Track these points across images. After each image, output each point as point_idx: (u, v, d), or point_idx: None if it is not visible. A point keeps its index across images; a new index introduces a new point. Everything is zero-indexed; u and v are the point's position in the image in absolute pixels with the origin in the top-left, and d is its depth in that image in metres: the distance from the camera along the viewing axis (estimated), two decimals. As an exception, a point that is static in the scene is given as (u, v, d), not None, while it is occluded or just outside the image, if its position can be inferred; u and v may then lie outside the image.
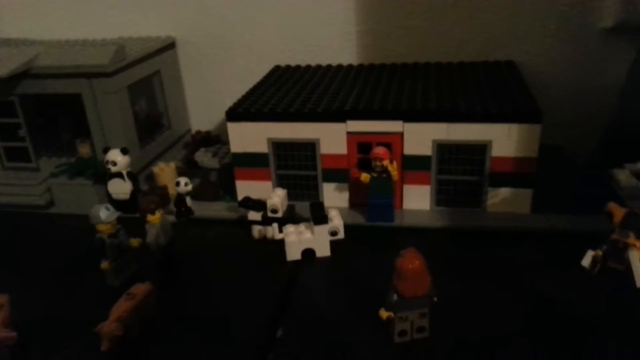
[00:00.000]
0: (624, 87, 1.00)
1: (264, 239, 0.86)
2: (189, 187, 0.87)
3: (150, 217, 0.76)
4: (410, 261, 0.60)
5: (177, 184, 0.86)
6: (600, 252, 0.69)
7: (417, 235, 0.84)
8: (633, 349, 0.61)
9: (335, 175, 0.91)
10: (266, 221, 0.85)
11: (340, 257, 0.81)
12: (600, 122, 1.04)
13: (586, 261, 0.69)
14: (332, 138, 0.88)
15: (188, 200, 0.87)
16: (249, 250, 0.85)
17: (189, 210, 0.88)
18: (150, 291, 0.69)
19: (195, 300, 0.74)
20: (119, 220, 0.76)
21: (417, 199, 0.90)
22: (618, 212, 0.66)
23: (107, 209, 0.74)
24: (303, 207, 0.88)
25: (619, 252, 0.68)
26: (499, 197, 0.87)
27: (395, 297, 0.62)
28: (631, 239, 0.66)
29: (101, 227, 0.74)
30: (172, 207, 0.90)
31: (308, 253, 0.81)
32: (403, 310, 0.62)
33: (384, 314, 0.63)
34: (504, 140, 0.82)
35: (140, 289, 0.69)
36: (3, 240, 0.92)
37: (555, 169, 0.95)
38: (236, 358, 0.63)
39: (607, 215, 0.67)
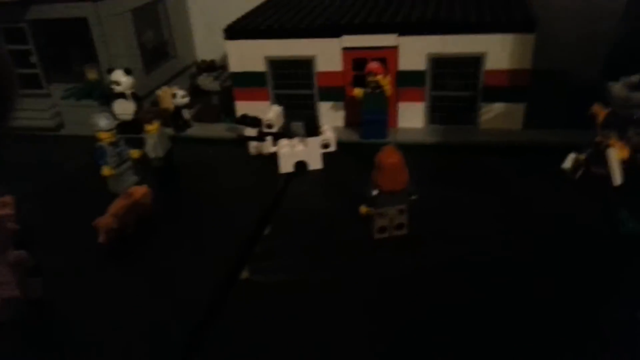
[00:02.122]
0: (627, 8, 0.97)
1: (260, 155, 0.89)
2: (186, 100, 0.89)
3: (148, 127, 0.79)
4: (390, 155, 0.62)
5: (174, 96, 0.89)
6: (582, 156, 0.69)
7: (410, 151, 0.84)
8: (606, 243, 0.62)
9: (331, 93, 0.92)
10: (262, 137, 0.87)
11: (331, 169, 0.84)
12: (603, 44, 1.02)
13: (567, 164, 0.70)
14: (327, 55, 0.89)
15: (185, 112, 0.90)
16: (245, 164, 0.88)
17: (187, 123, 0.91)
18: (146, 193, 0.73)
19: (191, 204, 0.78)
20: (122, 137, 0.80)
21: (411, 117, 0.91)
22: (601, 112, 0.67)
23: (107, 118, 0.77)
24: (300, 127, 0.90)
25: (602, 156, 0.68)
26: (492, 112, 0.87)
27: (375, 192, 0.64)
28: (612, 140, 0.66)
29: (102, 135, 0.77)
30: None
31: (301, 165, 0.84)
32: (382, 205, 0.65)
33: (363, 209, 0.66)
34: (498, 51, 0.82)
35: (137, 190, 0.72)
36: (16, 159, 0.97)
37: (553, 89, 0.94)
38: (223, 253, 0.67)
39: (591, 117, 0.68)
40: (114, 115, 0.94)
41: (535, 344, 0.51)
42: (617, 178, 0.64)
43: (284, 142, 0.84)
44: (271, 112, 0.86)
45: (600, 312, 0.53)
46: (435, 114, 0.90)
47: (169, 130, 0.88)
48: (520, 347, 0.50)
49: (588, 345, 0.50)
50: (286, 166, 0.83)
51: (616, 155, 0.65)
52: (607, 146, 0.66)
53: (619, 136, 0.66)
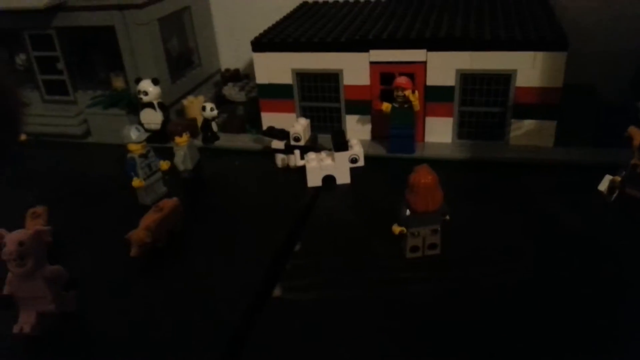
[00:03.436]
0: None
1: (287, 168, 0.89)
2: (215, 112, 0.89)
3: (177, 139, 0.80)
4: (424, 176, 0.62)
5: (203, 108, 0.89)
6: (618, 178, 0.69)
7: (438, 167, 0.83)
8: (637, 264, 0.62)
9: (358, 106, 0.92)
10: (289, 149, 0.87)
11: (359, 184, 0.84)
12: (633, 60, 1.01)
13: (603, 185, 0.69)
14: (355, 68, 0.89)
15: (214, 125, 0.90)
16: (272, 177, 0.88)
17: (215, 136, 0.91)
18: (177, 205, 0.73)
19: (220, 218, 0.78)
20: (151, 149, 0.80)
21: (439, 132, 0.91)
22: (638, 135, 0.66)
23: (138, 130, 0.78)
24: (326, 140, 0.90)
25: (638, 179, 0.67)
26: (522, 129, 0.87)
27: (407, 212, 0.64)
28: (650, 164, 0.65)
29: (132, 147, 0.78)
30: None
31: (328, 179, 0.84)
32: (415, 225, 0.64)
33: (396, 229, 0.65)
34: (528, 69, 0.81)
35: (168, 202, 0.73)
36: (44, 166, 0.98)
37: (582, 105, 0.93)
38: (254, 269, 0.67)
39: (628, 139, 0.67)
40: (143, 127, 0.94)
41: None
42: (655, 202, 0.63)
43: (311, 155, 0.84)
44: (298, 125, 0.86)
45: (629, 338, 0.53)
46: (463, 129, 0.89)
47: (198, 142, 0.88)
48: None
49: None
50: (314, 180, 0.83)
51: (654, 179, 0.64)
52: (644, 169, 0.66)
53: (656, 159, 0.65)
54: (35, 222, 0.70)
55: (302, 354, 0.54)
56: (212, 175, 0.88)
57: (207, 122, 0.90)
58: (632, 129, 0.67)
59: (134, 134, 0.77)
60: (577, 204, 0.73)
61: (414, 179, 0.62)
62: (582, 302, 0.58)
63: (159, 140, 0.95)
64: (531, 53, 0.80)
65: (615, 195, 0.69)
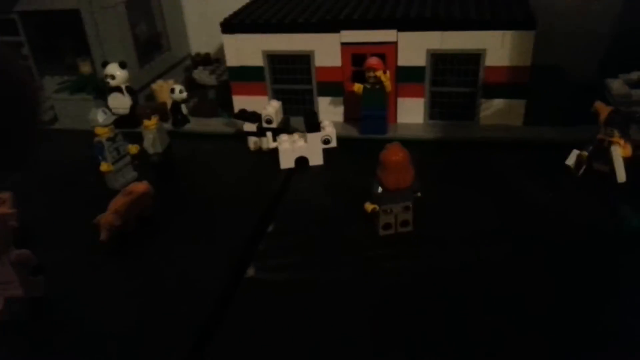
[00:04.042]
0: (624, 6, 0.98)
1: (259, 150, 0.88)
2: (184, 95, 0.88)
3: (146, 123, 0.78)
4: (394, 153, 0.62)
5: (172, 90, 0.88)
6: (585, 153, 0.70)
7: (410, 147, 0.83)
8: (609, 239, 0.63)
9: (330, 88, 0.92)
10: (261, 132, 0.87)
11: (332, 165, 0.83)
12: (601, 40, 1.03)
13: (570, 160, 0.70)
14: (326, 50, 0.88)
15: (184, 108, 0.89)
16: (245, 160, 0.88)
17: (185, 118, 0.90)
18: (147, 189, 0.72)
19: (191, 201, 0.77)
20: (119, 132, 0.78)
21: (410, 113, 0.91)
22: (604, 110, 0.67)
23: (105, 113, 0.76)
24: (299, 122, 0.89)
25: (605, 153, 0.69)
26: (492, 109, 0.87)
27: (379, 189, 0.64)
28: (615, 137, 0.66)
29: (99, 130, 0.76)
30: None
31: (301, 161, 0.83)
32: (387, 203, 0.64)
33: (369, 206, 0.65)
34: (497, 48, 0.82)
35: (138, 186, 0.71)
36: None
37: (550, 85, 0.95)
38: (227, 251, 0.66)
39: (594, 114, 0.68)
40: (111, 110, 0.92)
41: (536, 340, 0.51)
42: (622, 175, 0.65)
43: (284, 137, 0.84)
44: (270, 107, 0.86)
45: (603, 308, 0.54)
46: (435, 110, 0.90)
47: (167, 126, 0.87)
48: (521, 344, 0.51)
49: (589, 341, 0.51)
50: (287, 162, 0.83)
51: (620, 152, 0.65)
52: (610, 143, 0.67)
53: (622, 134, 0.66)
54: (0, 208, 0.68)
55: (277, 334, 0.54)
56: (183, 159, 0.87)
57: (176, 104, 0.89)
58: (598, 104, 0.68)
59: (100, 116, 0.76)
60: (546, 180, 0.74)
61: (384, 156, 0.62)
62: (554, 275, 0.59)
63: (128, 125, 0.93)
64: (500, 32, 0.81)
65: (582, 170, 0.71)
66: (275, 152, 0.84)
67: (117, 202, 0.68)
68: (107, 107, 0.94)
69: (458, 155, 0.84)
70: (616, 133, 0.66)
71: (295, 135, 0.84)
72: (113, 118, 0.77)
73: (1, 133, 0.26)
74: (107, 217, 0.66)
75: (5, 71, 0.28)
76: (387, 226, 0.66)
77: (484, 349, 0.51)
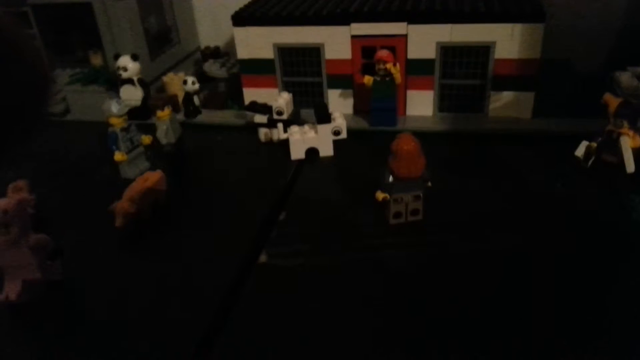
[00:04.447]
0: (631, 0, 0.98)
1: (270, 142, 0.89)
2: (196, 86, 0.89)
3: (159, 114, 0.79)
4: (406, 142, 0.63)
5: (185, 82, 0.89)
6: (594, 144, 0.70)
7: (419, 139, 0.85)
8: (618, 228, 0.64)
9: (340, 81, 0.93)
10: (272, 123, 0.87)
11: (342, 156, 0.84)
12: (610, 34, 1.03)
13: (580, 151, 0.71)
14: (336, 42, 0.89)
15: (196, 99, 0.90)
16: (256, 151, 0.88)
17: (197, 109, 0.90)
18: (161, 177, 0.73)
19: (204, 190, 0.78)
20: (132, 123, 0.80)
21: (420, 105, 0.92)
22: (613, 101, 0.68)
23: (118, 103, 0.77)
24: (309, 115, 0.90)
25: (614, 144, 0.69)
26: (501, 101, 0.88)
27: (390, 178, 0.65)
28: (624, 129, 0.67)
29: (113, 121, 0.77)
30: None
31: (312, 152, 0.84)
32: (398, 191, 0.65)
33: (380, 195, 0.66)
34: (507, 41, 0.83)
35: (152, 175, 0.72)
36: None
37: (559, 77, 0.95)
38: (239, 239, 0.67)
39: (603, 106, 0.69)
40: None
41: (543, 328, 0.52)
42: (631, 166, 0.65)
43: (294, 128, 0.84)
44: (281, 99, 0.87)
45: (610, 295, 0.55)
46: (444, 102, 0.91)
47: (179, 117, 0.88)
48: (526, 332, 0.52)
49: (595, 328, 0.51)
50: (297, 153, 0.84)
51: (629, 143, 0.66)
52: (619, 135, 0.68)
53: (631, 125, 0.67)
54: (18, 195, 0.69)
55: (288, 319, 0.55)
56: (195, 150, 0.88)
57: (188, 95, 0.90)
58: (607, 96, 0.69)
59: (114, 107, 0.77)
60: (554, 171, 0.75)
61: (396, 145, 0.63)
62: (564, 263, 0.59)
63: (140, 117, 0.94)
64: (509, 25, 0.82)
65: (591, 161, 0.71)
66: (285, 143, 0.85)
67: (132, 190, 0.69)
68: (119, 97, 0.96)
69: (467, 147, 0.84)
70: (625, 124, 0.67)
71: (306, 127, 0.85)
72: (127, 108, 0.78)
73: (8, 109, 0.27)
74: (122, 204, 0.67)
75: (17, 48, 0.28)
76: (397, 215, 0.67)
77: (490, 335, 0.51)
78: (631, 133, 0.67)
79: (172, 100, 0.95)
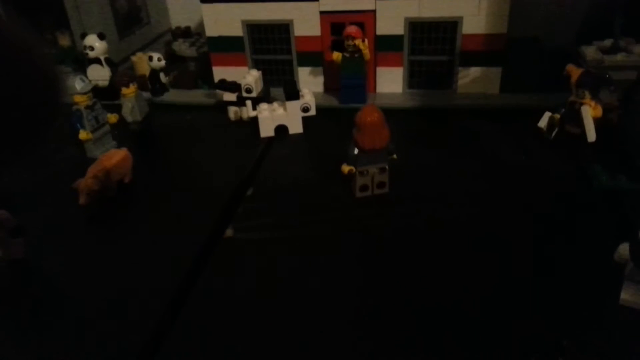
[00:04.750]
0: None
1: (240, 120, 0.89)
2: (162, 63, 0.88)
3: (124, 91, 0.78)
4: (370, 114, 0.63)
5: (150, 58, 0.88)
6: (557, 115, 0.71)
7: (389, 115, 0.84)
8: (579, 197, 0.65)
9: (310, 58, 0.92)
10: (241, 101, 0.87)
11: (312, 133, 0.84)
12: (577, 10, 1.04)
13: (542, 122, 0.72)
14: (305, 18, 0.89)
15: (162, 76, 0.89)
16: (225, 130, 0.88)
17: (164, 87, 0.90)
18: (126, 155, 0.72)
19: (171, 168, 0.78)
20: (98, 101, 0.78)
21: (390, 82, 0.92)
22: (575, 72, 0.68)
23: (82, 80, 0.76)
24: (279, 94, 0.90)
25: (576, 115, 0.70)
26: (469, 77, 0.89)
27: (355, 150, 0.65)
28: (586, 99, 0.68)
29: (77, 98, 0.76)
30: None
31: (281, 129, 0.84)
32: (363, 164, 0.65)
33: (345, 168, 0.66)
34: (473, 15, 0.83)
35: (117, 152, 0.72)
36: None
37: (527, 54, 0.95)
38: (206, 214, 0.67)
39: (566, 77, 0.69)
40: (89, 80, 0.92)
41: (510, 291, 0.53)
42: (592, 134, 0.66)
43: (263, 106, 0.84)
44: (250, 76, 0.86)
45: (573, 259, 0.56)
46: (413, 79, 0.91)
47: (146, 95, 0.87)
48: (493, 296, 0.52)
49: (559, 292, 0.52)
50: (266, 130, 0.84)
51: (590, 112, 0.67)
52: (581, 105, 0.68)
53: (592, 95, 0.68)
54: (-22, 174, 0.68)
55: (255, 290, 0.55)
56: (163, 129, 0.87)
57: (154, 72, 0.89)
58: (570, 67, 0.69)
59: (78, 84, 0.76)
60: (521, 144, 0.76)
61: (360, 117, 0.63)
62: (526, 231, 0.60)
63: (108, 97, 0.93)
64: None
65: (555, 132, 0.72)
66: (255, 121, 0.84)
67: (96, 168, 0.68)
68: (86, 76, 0.94)
69: (436, 123, 0.85)
70: (587, 94, 0.68)
71: (275, 104, 0.85)
72: (91, 86, 0.77)
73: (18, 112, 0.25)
74: (85, 182, 0.66)
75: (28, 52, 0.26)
76: (363, 188, 0.67)
77: (454, 300, 0.52)
78: (593, 103, 0.68)
79: (139, 80, 0.94)
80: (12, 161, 0.25)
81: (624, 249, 0.46)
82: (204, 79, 0.99)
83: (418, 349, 0.47)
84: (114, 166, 0.70)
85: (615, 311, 0.49)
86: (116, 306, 0.54)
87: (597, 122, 0.68)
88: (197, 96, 0.96)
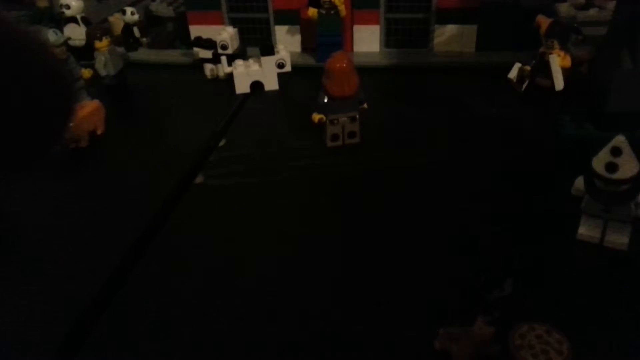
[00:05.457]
0: None
1: (216, 78, 0.89)
2: (136, 17, 0.88)
3: (98, 44, 0.78)
4: (339, 60, 0.63)
5: (123, 12, 0.87)
6: (528, 67, 0.72)
7: (367, 73, 0.85)
8: (547, 146, 0.66)
9: (287, 17, 0.92)
10: (216, 58, 0.87)
11: (288, 90, 0.85)
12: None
13: (512, 73, 0.72)
14: (282, -25, 0.88)
15: (136, 30, 0.89)
16: (201, 87, 0.88)
17: (138, 42, 0.89)
18: (98, 107, 0.72)
19: (145, 123, 0.78)
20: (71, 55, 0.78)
21: (367, 41, 0.92)
22: (544, 22, 0.69)
23: (55, 33, 0.75)
24: (256, 53, 0.89)
25: (547, 67, 0.70)
26: (445, 35, 0.89)
27: (325, 98, 0.65)
28: (555, 49, 0.68)
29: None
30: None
31: (257, 86, 0.84)
32: (333, 112, 0.66)
33: (316, 116, 0.67)
34: (449, -29, 0.83)
35: (88, 103, 0.72)
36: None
37: (502, 13, 0.95)
38: (177, 161, 0.67)
39: (536, 28, 0.70)
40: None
41: (474, 227, 0.53)
42: (559, 83, 0.67)
43: (239, 62, 0.84)
44: (225, 33, 0.86)
45: (536, 201, 0.57)
46: (390, 38, 0.91)
47: (120, 50, 0.86)
48: (459, 235, 0.53)
49: (526, 232, 0.53)
50: (242, 87, 0.84)
51: (558, 61, 0.67)
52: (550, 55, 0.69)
53: (562, 45, 0.68)
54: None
55: (223, 233, 0.56)
56: (139, 86, 0.87)
57: (128, 27, 0.88)
58: (540, 17, 0.70)
59: (51, 36, 0.75)
60: (492, 98, 0.77)
61: (330, 63, 0.63)
62: (491, 174, 0.61)
63: (85, 57, 0.92)
64: (451, -46, 0.82)
65: (525, 85, 0.72)
66: (231, 79, 0.84)
67: (67, 117, 0.68)
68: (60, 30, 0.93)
69: (412, 80, 0.85)
70: (556, 44, 0.68)
71: (250, 60, 0.85)
72: (64, 38, 0.76)
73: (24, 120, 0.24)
74: (56, 130, 0.66)
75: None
76: (334, 137, 0.68)
77: (415, 235, 0.53)
78: (562, 53, 0.68)
79: (116, 38, 0.93)
80: (21, 171, 0.25)
81: (579, 181, 0.47)
82: (182, 39, 0.98)
83: (384, 272, 0.48)
84: (84, 117, 0.70)
85: (572, 246, 0.50)
86: (84, 249, 0.55)
87: (567, 74, 0.69)
88: (174, 55, 0.96)
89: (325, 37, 0.88)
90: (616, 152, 0.42)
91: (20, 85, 0.22)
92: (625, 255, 0.48)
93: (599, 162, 0.43)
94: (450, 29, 0.88)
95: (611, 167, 0.42)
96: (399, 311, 0.45)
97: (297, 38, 0.94)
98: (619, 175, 0.42)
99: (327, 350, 0.42)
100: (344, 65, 0.63)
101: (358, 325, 0.44)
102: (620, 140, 0.42)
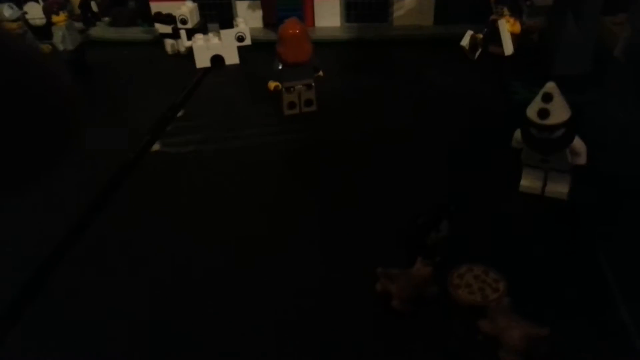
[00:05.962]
0: None
1: (177, 54, 0.89)
2: (94, -9, 0.87)
3: (55, 19, 0.78)
4: (291, 26, 0.64)
5: (81, -15, 0.87)
6: (480, 35, 0.73)
7: (328, 47, 0.88)
8: (500, 111, 0.67)
9: (248, -8, 0.93)
10: (176, 33, 0.87)
11: (248, 64, 0.85)
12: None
13: (464, 41, 0.74)
14: (241, -51, 0.89)
15: (93, 5, 0.88)
16: (162, 63, 0.88)
17: (96, 16, 0.89)
18: (54, 80, 0.72)
19: (103, 97, 0.78)
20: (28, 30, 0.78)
21: (328, 16, 0.93)
22: (494, -11, 0.70)
23: (11, 7, 0.75)
24: (217, 29, 0.89)
25: (498, 34, 0.72)
26: (404, 9, 0.90)
27: (279, 65, 0.66)
28: (505, 15, 0.70)
29: (7, 26, 0.75)
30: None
31: (217, 59, 0.84)
32: (288, 79, 0.67)
33: (271, 84, 0.68)
34: (405, -57, 0.84)
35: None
36: None
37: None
38: (134, 133, 0.67)
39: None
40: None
41: (429, 183, 0.55)
42: (508, 47, 0.69)
43: (198, 36, 0.84)
44: (184, 7, 0.86)
45: (484, 159, 0.58)
46: (351, 12, 0.92)
47: (79, 25, 0.86)
48: (411, 189, 0.55)
49: (470, 183, 0.55)
50: (202, 60, 0.84)
51: (507, 26, 0.69)
52: (501, 21, 0.71)
53: (512, 12, 0.70)
54: None
55: (181, 200, 0.56)
56: (99, 63, 0.87)
57: (86, 1, 0.88)
58: (490, -15, 0.71)
59: (7, 11, 0.75)
60: (450, 69, 0.78)
61: (282, 29, 0.64)
62: (443, 137, 0.63)
63: (46, 37, 0.91)
64: None
65: (478, 53, 0.74)
66: (192, 54, 0.84)
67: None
68: (26, 20, 0.93)
69: (372, 53, 0.87)
70: (506, 11, 0.70)
71: (210, 34, 0.85)
72: (20, 12, 0.76)
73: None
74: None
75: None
76: (291, 105, 0.69)
77: (370, 198, 0.54)
78: (511, 20, 0.70)
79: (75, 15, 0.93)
80: (28, 182, 0.24)
81: (517, 133, 0.49)
82: (144, 17, 0.98)
83: (335, 229, 0.49)
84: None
85: (516, 198, 0.52)
86: (43, 207, 0.55)
87: (517, 40, 0.71)
88: (135, 32, 0.96)
89: (285, 12, 0.88)
90: (547, 98, 0.43)
91: (18, 92, 0.22)
92: (565, 204, 0.50)
93: (531, 109, 0.45)
94: (409, 2, 0.89)
95: (543, 113, 0.44)
96: (350, 263, 0.46)
97: (258, 13, 0.94)
98: (550, 120, 0.44)
99: (282, 301, 0.43)
100: (297, 31, 0.64)
101: (309, 280, 0.45)
102: (550, 86, 0.44)
